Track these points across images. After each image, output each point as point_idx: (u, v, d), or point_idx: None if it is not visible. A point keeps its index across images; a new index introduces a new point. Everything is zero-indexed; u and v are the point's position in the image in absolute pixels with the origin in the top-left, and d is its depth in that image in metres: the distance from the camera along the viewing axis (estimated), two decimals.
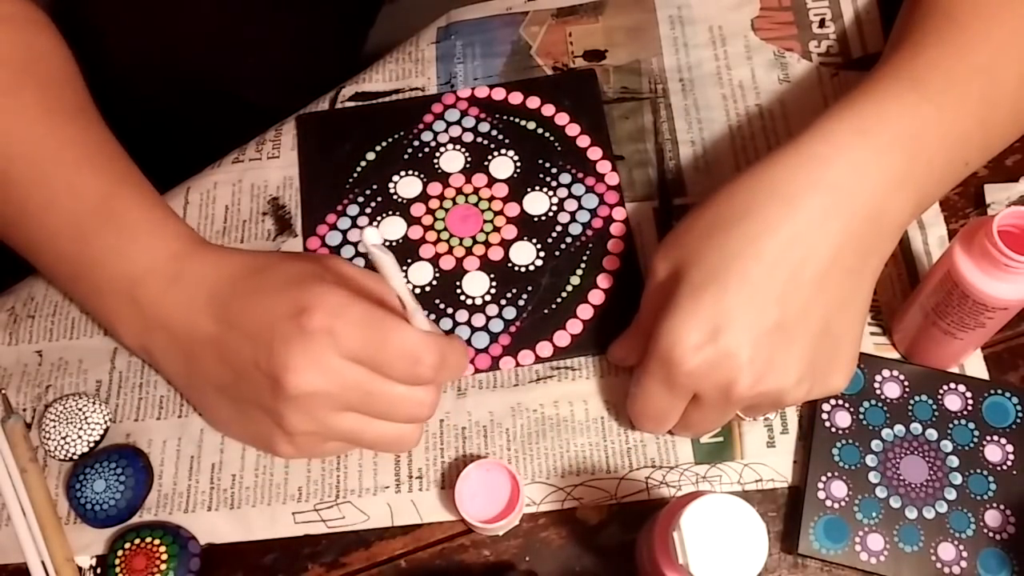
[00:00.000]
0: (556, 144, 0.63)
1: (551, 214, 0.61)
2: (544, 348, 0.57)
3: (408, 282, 0.60)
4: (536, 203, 0.62)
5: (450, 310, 0.59)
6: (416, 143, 0.64)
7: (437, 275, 0.60)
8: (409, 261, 0.60)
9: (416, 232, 0.61)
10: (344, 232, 0.61)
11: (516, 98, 0.65)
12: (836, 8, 0.67)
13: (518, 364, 0.57)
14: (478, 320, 0.58)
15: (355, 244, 0.61)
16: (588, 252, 0.60)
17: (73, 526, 0.56)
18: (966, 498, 0.51)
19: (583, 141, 0.63)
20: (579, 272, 0.59)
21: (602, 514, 0.54)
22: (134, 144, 0.59)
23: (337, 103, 0.67)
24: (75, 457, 0.56)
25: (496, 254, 0.60)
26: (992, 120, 0.52)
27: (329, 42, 0.87)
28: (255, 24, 0.79)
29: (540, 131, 0.64)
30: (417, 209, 0.62)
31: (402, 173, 0.63)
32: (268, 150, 0.65)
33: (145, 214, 0.55)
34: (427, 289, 0.59)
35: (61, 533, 0.55)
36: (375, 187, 0.63)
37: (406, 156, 0.63)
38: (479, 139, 0.64)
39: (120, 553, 0.53)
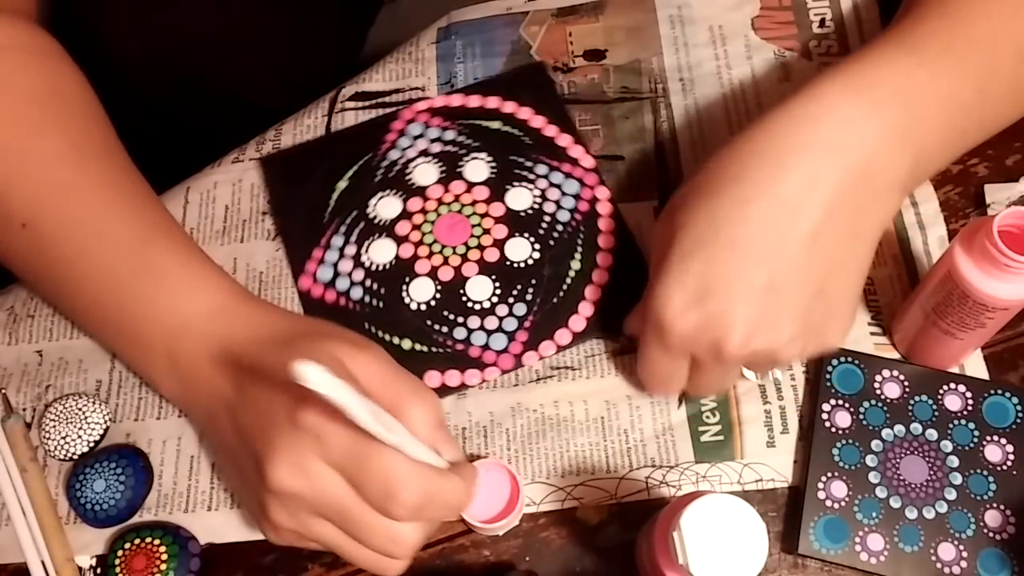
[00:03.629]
0: (525, 138, 0.64)
1: (536, 206, 0.61)
2: (563, 336, 0.58)
3: (407, 297, 0.59)
4: (519, 199, 0.62)
5: (460, 319, 0.58)
6: (385, 163, 0.63)
7: (439, 288, 0.59)
8: (407, 280, 0.60)
9: (407, 250, 0.61)
10: (335, 264, 0.60)
11: (475, 101, 0.65)
12: (836, 8, 0.67)
13: (541, 357, 0.57)
14: (491, 323, 0.58)
15: (349, 275, 0.60)
16: (581, 235, 0.60)
17: (73, 526, 0.56)
18: (966, 498, 0.51)
19: (550, 131, 0.64)
20: (577, 256, 0.60)
21: (602, 514, 0.54)
22: (134, 144, 0.59)
23: (337, 103, 0.67)
24: (75, 457, 0.56)
25: (492, 255, 0.60)
26: (990, 90, 0.51)
27: (329, 42, 0.87)
28: (255, 24, 0.79)
29: (506, 129, 0.64)
30: (403, 227, 0.61)
31: (379, 195, 0.62)
32: (268, 150, 0.65)
33: (183, 264, 0.53)
34: (432, 303, 0.59)
35: (61, 533, 0.55)
36: (355, 214, 0.62)
37: (378, 178, 0.63)
38: (447, 147, 0.64)
39: (120, 553, 0.53)
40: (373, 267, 0.60)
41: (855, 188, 0.47)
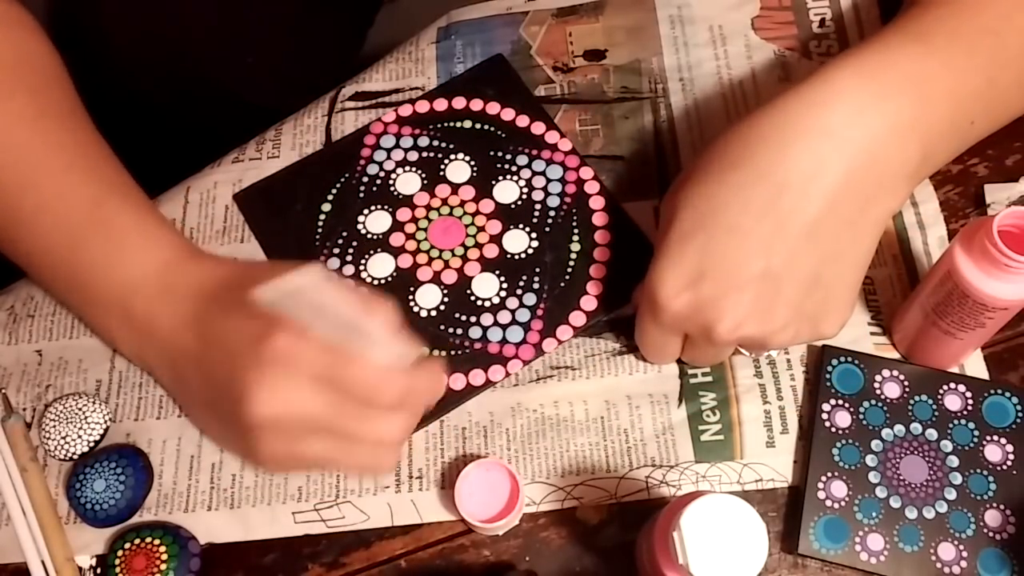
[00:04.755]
0: (499, 133, 0.64)
1: (524, 197, 0.62)
2: (577, 318, 0.58)
3: (415, 306, 0.59)
4: (506, 192, 0.62)
5: (473, 318, 0.58)
6: (365, 179, 0.63)
7: (445, 291, 0.59)
8: (412, 289, 0.59)
9: (406, 260, 0.60)
10: None
11: (441, 104, 0.65)
12: (836, 8, 0.67)
13: (560, 342, 0.57)
14: (503, 317, 0.58)
15: None
16: (575, 217, 0.61)
17: (73, 526, 0.56)
18: (966, 498, 0.51)
19: (522, 121, 0.64)
20: (576, 238, 0.60)
21: (602, 514, 0.54)
22: (134, 144, 0.59)
23: (337, 103, 0.67)
24: (75, 457, 0.56)
25: (491, 251, 0.60)
26: (999, 80, 0.51)
27: (329, 42, 0.87)
28: (255, 24, 0.79)
29: (479, 126, 0.64)
30: (396, 239, 0.61)
31: (366, 212, 0.62)
32: (268, 150, 0.65)
33: (136, 222, 0.54)
34: (441, 308, 0.59)
35: (61, 533, 0.55)
36: (345, 234, 0.61)
37: (361, 195, 0.63)
38: (424, 154, 0.64)
39: (120, 553, 0.53)
40: (375, 282, 0.60)
41: (861, 177, 0.47)
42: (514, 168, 0.63)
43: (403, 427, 0.49)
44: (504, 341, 0.58)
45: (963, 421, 0.53)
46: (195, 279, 0.52)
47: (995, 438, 0.53)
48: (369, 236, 0.61)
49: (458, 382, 0.57)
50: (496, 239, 0.61)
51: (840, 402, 0.54)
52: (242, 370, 0.46)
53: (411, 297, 0.59)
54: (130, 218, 0.54)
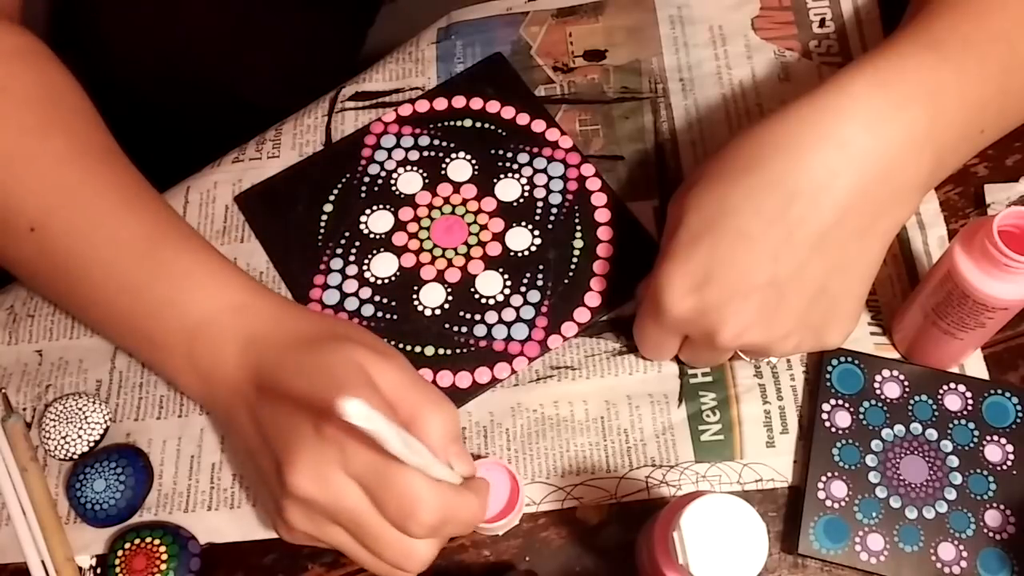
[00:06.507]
0: (500, 131, 0.64)
1: (526, 194, 0.62)
2: (582, 314, 0.58)
3: (419, 305, 0.59)
4: (508, 190, 0.62)
5: (477, 316, 0.58)
6: (367, 179, 0.63)
7: (449, 290, 0.59)
8: (416, 288, 0.60)
9: (409, 260, 0.61)
10: (339, 287, 0.60)
11: (441, 104, 0.65)
12: (836, 7, 0.67)
13: (565, 338, 0.57)
14: (508, 315, 0.58)
15: (356, 294, 0.60)
16: (578, 214, 0.61)
17: (73, 526, 0.56)
18: (966, 498, 0.51)
19: (523, 119, 0.64)
20: (578, 235, 0.60)
21: (602, 514, 0.54)
22: (134, 144, 0.59)
23: (337, 103, 0.67)
24: (75, 457, 0.56)
25: (495, 249, 0.60)
26: (1009, 88, 0.51)
27: (329, 42, 0.87)
28: (255, 24, 0.79)
29: (479, 125, 0.64)
30: (399, 238, 0.61)
31: (368, 211, 0.62)
32: (268, 150, 0.65)
33: (196, 262, 0.53)
34: (446, 307, 0.59)
35: (61, 533, 0.55)
36: (348, 234, 0.61)
37: (363, 194, 0.63)
38: (425, 153, 0.64)
39: (120, 553, 0.53)
40: (379, 282, 0.60)
41: (873, 189, 0.47)
42: (515, 166, 0.63)
43: (427, 555, 0.46)
44: (509, 339, 0.58)
45: (963, 421, 0.53)
46: (264, 326, 0.50)
47: (995, 438, 0.53)
48: (372, 236, 0.61)
49: (463, 380, 0.57)
50: (499, 237, 0.61)
51: (840, 402, 0.54)
52: (293, 441, 0.45)
53: (415, 296, 0.59)
54: (189, 258, 0.53)
